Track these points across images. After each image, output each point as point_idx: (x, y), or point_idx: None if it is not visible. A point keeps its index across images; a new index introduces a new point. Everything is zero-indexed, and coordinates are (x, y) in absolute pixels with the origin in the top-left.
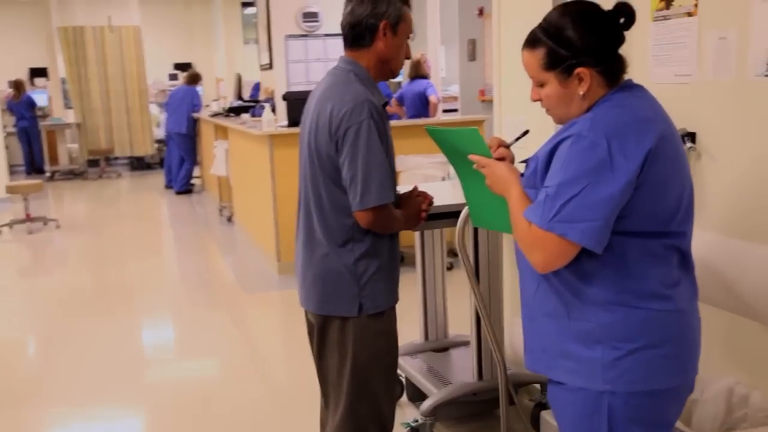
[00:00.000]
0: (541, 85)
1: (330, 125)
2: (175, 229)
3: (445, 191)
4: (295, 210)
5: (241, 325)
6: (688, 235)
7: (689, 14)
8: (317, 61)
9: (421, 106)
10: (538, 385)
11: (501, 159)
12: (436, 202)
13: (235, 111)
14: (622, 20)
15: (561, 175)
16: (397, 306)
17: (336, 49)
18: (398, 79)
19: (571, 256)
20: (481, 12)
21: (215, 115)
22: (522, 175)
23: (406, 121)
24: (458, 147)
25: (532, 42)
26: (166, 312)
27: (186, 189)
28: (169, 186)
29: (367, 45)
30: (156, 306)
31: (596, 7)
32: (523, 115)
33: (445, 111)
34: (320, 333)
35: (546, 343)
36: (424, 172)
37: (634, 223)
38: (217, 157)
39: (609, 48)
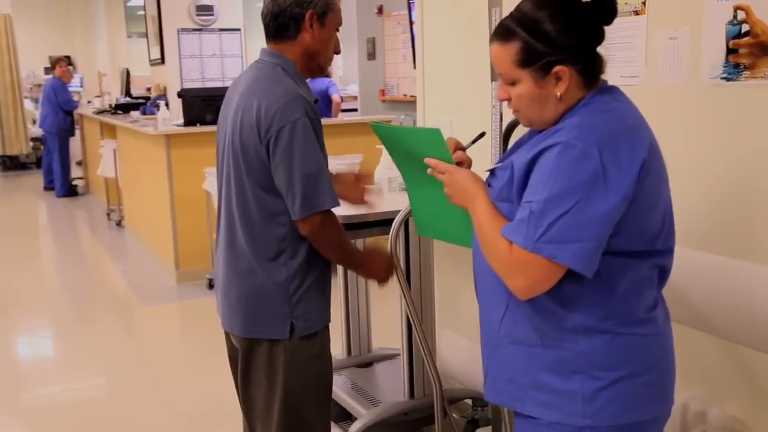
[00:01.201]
0: (511, 83)
1: (259, 125)
2: (57, 234)
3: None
4: (194, 212)
5: (137, 341)
6: (673, 252)
7: (636, 12)
8: (212, 56)
9: (323, 105)
10: (469, 401)
11: (457, 164)
12: (360, 210)
13: (122, 108)
14: (601, 14)
15: (548, 189)
16: None
17: (232, 44)
18: None
19: (557, 279)
20: (380, 10)
21: (100, 112)
22: (489, 185)
23: None
24: (411, 148)
25: (504, 34)
26: (47, 328)
27: (68, 191)
28: (48, 188)
29: (292, 37)
30: (35, 321)
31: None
32: (448, 116)
33: (344, 110)
34: (246, 358)
35: (514, 373)
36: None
37: (622, 242)
38: (104, 157)
39: (589, 45)
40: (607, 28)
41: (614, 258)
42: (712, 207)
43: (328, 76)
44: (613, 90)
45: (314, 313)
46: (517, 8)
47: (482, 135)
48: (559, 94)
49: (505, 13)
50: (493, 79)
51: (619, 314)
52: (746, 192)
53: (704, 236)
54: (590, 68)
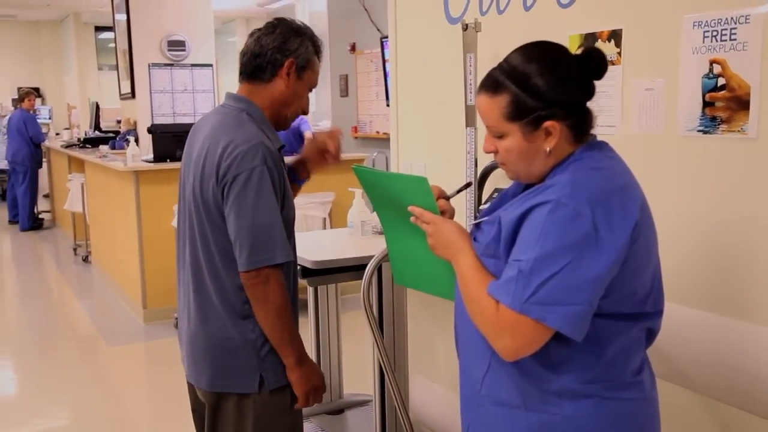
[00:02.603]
0: (499, 136)
1: (218, 170)
2: (20, 269)
3: (335, 242)
4: (163, 249)
5: (102, 383)
6: (662, 314)
7: (612, 63)
8: (184, 91)
9: (295, 141)
10: None
11: (441, 213)
12: (330, 255)
13: (91, 142)
14: (592, 68)
15: (538, 248)
16: None
17: (203, 79)
18: None
19: (544, 341)
20: (353, 48)
21: (69, 145)
22: (474, 239)
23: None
24: (394, 195)
25: (493, 86)
26: (8, 367)
27: (34, 225)
28: (13, 221)
29: (266, 80)
30: None
31: (565, 51)
32: (422, 161)
33: None
34: (213, 413)
35: None
36: (304, 213)
37: (612, 305)
38: (71, 191)
39: (579, 99)
40: None
41: (603, 321)
42: (688, 261)
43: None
44: (603, 146)
45: (283, 366)
46: (506, 60)
47: (468, 185)
48: (548, 149)
49: (480, 58)
50: (468, 124)
51: (606, 378)
52: (723, 246)
53: (683, 290)
54: (580, 123)
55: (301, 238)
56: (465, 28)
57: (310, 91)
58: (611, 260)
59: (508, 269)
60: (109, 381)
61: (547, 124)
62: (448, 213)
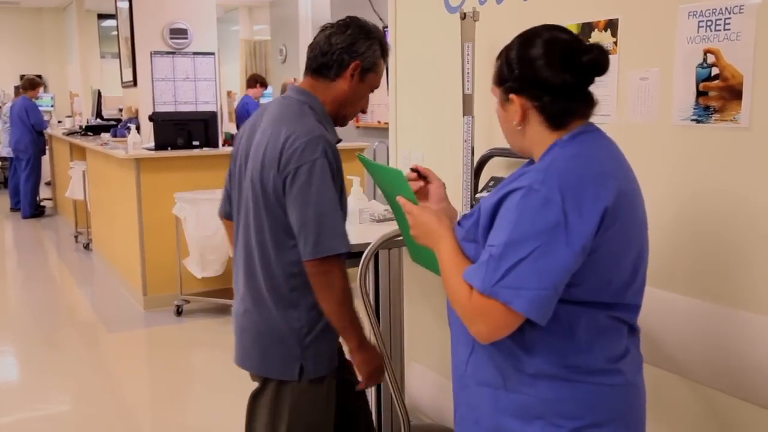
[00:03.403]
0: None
1: (280, 160)
2: (22, 256)
3: None
4: (163, 237)
5: (102, 369)
6: (639, 308)
7: (608, 52)
8: (186, 80)
9: None
10: None
11: (424, 178)
12: None
13: (93, 130)
14: (584, 58)
15: (508, 234)
16: None
17: (205, 68)
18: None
19: (516, 326)
20: None
21: (71, 133)
22: (459, 223)
23: None
24: (385, 184)
25: (499, 53)
26: (9, 353)
27: (35, 212)
28: (15, 209)
29: (331, 79)
30: None
31: (557, 38)
32: (420, 150)
33: None
34: (254, 396)
35: (479, 416)
36: None
37: (585, 293)
38: (73, 179)
39: (553, 86)
40: None
41: (575, 307)
42: (680, 248)
43: None
44: (596, 134)
45: (324, 357)
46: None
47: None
48: (514, 122)
49: (478, 47)
50: (466, 113)
51: (580, 363)
52: (714, 234)
53: (673, 277)
54: (551, 108)
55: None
56: (463, 17)
57: (371, 91)
58: (578, 247)
59: (483, 255)
60: (109, 367)
61: (511, 95)
62: (433, 182)
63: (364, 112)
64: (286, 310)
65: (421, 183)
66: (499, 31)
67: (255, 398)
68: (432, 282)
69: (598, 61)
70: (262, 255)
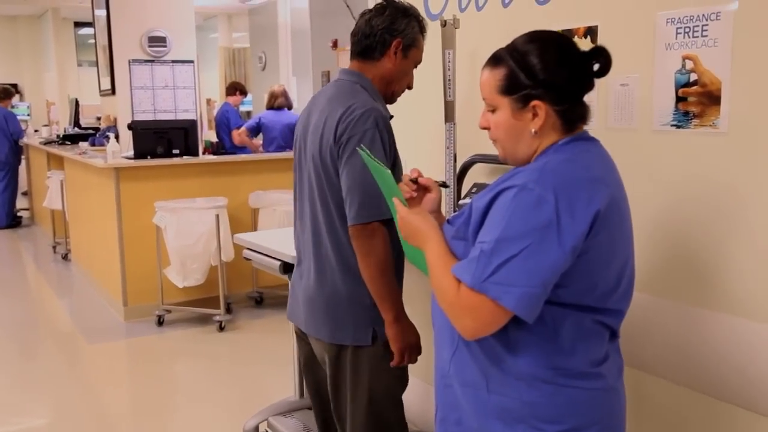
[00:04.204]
0: (492, 110)
1: (336, 131)
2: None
3: None
4: (144, 246)
5: (82, 381)
6: (623, 314)
7: None
8: (165, 88)
9: (290, 137)
10: None
11: (425, 188)
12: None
13: (71, 139)
14: (596, 66)
15: (500, 230)
16: (267, 359)
17: (184, 76)
18: (248, 108)
19: (503, 323)
20: (334, 44)
21: (48, 142)
22: (449, 222)
23: (273, 155)
24: (380, 180)
25: (494, 60)
26: None
27: (12, 223)
28: None
29: (375, 59)
30: None
31: (569, 42)
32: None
33: None
34: (334, 363)
35: (461, 416)
36: (286, 209)
37: (571, 295)
38: (50, 188)
39: (574, 89)
40: None
41: (560, 309)
42: (659, 253)
43: (290, 108)
44: (590, 141)
45: None
46: (513, 40)
47: (445, 185)
48: (533, 130)
49: (459, 54)
50: (447, 120)
51: (562, 366)
52: (694, 239)
53: (652, 279)
54: (571, 113)
55: (280, 233)
56: (444, 24)
57: (415, 67)
58: (569, 247)
59: (473, 251)
60: (89, 379)
61: (534, 103)
62: (434, 191)
63: (410, 87)
64: (355, 279)
65: (414, 193)
66: (479, 38)
67: (336, 366)
68: (415, 287)
69: (608, 66)
70: (329, 229)
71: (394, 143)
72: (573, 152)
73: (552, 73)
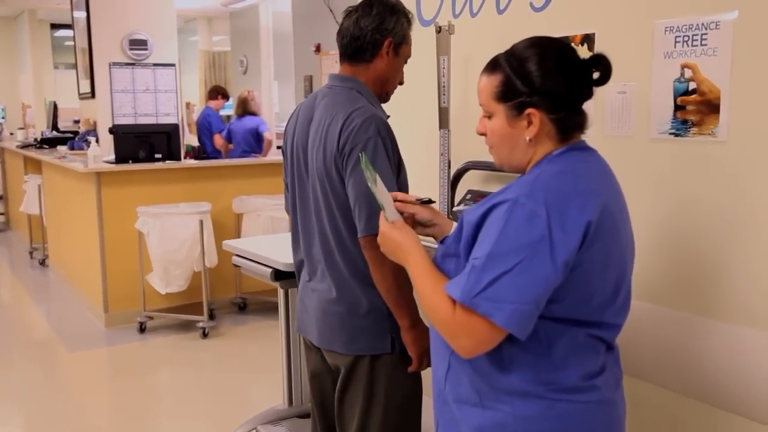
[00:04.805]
0: (489, 116)
1: (339, 141)
2: None
3: None
4: (125, 252)
5: (62, 390)
6: (619, 328)
7: None
8: (146, 91)
9: (254, 142)
10: None
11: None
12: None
13: (49, 142)
14: (596, 74)
15: (492, 246)
16: (252, 366)
17: (166, 79)
18: (228, 112)
19: (499, 340)
20: (317, 48)
21: (25, 146)
22: (441, 241)
23: (243, 160)
24: (371, 189)
25: (492, 66)
26: None
27: None
28: None
29: (368, 61)
30: None
31: (570, 49)
32: None
33: (279, 147)
34: (347, 374)
35: (459, 431)
36: (270, 214)
37: (565, 310)
38: (27, 193)
39: (571, 97)
40: None
41: (553, 324)
42: (657, 261)
43: (255, 114)
44: (586, 150)
45: None
46: (512, 46)
47: (431, 201)
48: (528, 138)
49: (453, 60)
50: (442, 126)
51: (554, 380)
52: (692, 247)
53: (651, 287)
54: (567, 122)
55: (269, 240)
56: (438, 30)
57: (406, 62)
58: (561, 262)
59: (467, 266)
60: (69, 387)
61: (529, 111)
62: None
63: (401, 83)
64: (369, 288)
65: (409, 212)
66: (474, 44)
67: (348, 378)
68: None
69: (608, 74)
70: (338, 240)
71: (396, 147)
72: (567, 163)
73: (549, 81)
